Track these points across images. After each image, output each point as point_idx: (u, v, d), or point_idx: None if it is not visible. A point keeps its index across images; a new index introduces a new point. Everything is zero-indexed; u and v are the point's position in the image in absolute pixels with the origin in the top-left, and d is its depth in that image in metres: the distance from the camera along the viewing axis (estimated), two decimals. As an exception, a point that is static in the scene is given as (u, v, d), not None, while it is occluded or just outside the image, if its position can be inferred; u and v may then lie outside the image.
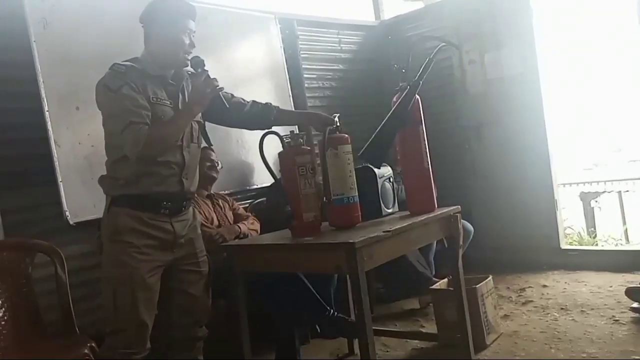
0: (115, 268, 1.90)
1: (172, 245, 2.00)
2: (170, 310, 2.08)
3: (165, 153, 1.93)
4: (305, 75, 4.20)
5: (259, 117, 2.26)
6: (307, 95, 4.19)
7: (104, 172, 2.01)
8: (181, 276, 2.07)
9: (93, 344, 2.05)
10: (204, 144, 2.26)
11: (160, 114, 1.92)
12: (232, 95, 2.23)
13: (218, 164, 3.04)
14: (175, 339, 2.10)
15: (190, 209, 2.14)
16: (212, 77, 1.93)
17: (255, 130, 2.31)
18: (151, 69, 1.95)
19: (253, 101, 2.28)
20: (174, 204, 1.99)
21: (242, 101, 2.26)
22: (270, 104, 2.30)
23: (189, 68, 2.03)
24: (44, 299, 2.41)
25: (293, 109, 2.36)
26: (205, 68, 1.95)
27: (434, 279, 3.32)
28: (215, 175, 3.02)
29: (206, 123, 2.21)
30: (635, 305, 2.85)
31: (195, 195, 2.89)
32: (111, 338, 1.91)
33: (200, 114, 2.08)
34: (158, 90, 1.95)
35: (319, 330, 2.68)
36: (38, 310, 2.32)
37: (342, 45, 4.62)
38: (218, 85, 1.94)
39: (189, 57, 1.97)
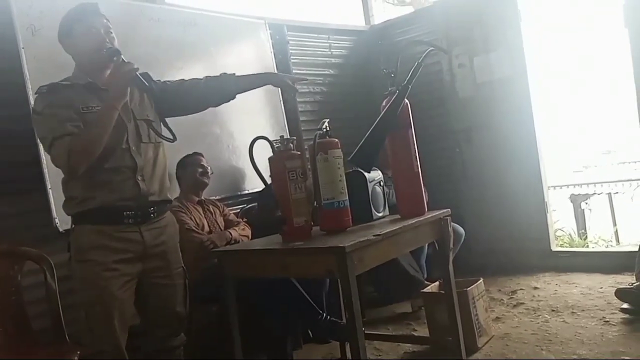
0: (85, 290, 1.84)
1: (142, 256, 1.93)
2: (146, 321, 2.04)
3: (109, 158, 1.85)
4: (295, 80, 4.20)
5: (218, 89, 2.17)
6: (298, 100, 4.19)
7: None
8: (153, 289, 1.99)
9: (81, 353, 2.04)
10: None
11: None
12: (182, 80, 2.16)
13: (209, 170, 3.03)
14: (152, 348, 2.05)
15: (167, 216, 2.06)
16: (127, 61, 1.85)
17: (220, 105, 2.24)
18: (80, 79, 1.91)
19: (207, 76, 2.18)
20: (138, 210, 1.91)
21: (197, 79, 2.17)
22: (226, 73, 2.20)
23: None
24: (33, 307, 2.39)
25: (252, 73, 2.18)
26: (121, 56, 1.85)
27: (425, 282, 3.32)
28: (206, 181, 3.01)
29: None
30: (625, 306, 2.86)
31: (185, 200, 2.91)
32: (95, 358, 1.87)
33: (152, 110, 2.03)
34: (88, 99, 1.88)
35: (311, 334, 2.68)
36: (27, 318, 2.31)
37: (332, 50, 4.63)
38: (133, 67, 1.83)
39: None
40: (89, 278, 1.83)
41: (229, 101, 2.19)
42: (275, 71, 3.93)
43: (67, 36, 1.93)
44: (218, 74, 2.19)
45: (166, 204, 2.05)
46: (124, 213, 1.88)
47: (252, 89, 2.24)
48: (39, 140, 1.93)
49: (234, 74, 2.19)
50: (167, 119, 2.10)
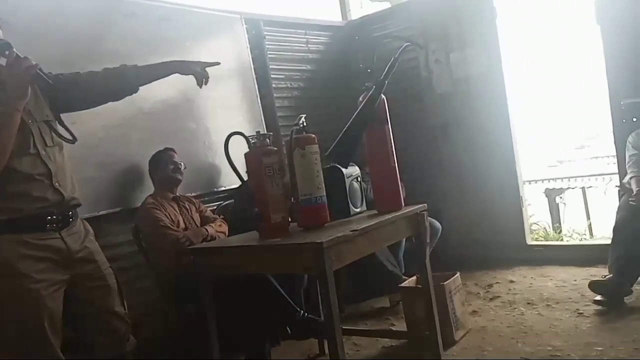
0: (14, 305, 1.71)
1: (68, 263, 1.83)
2: (91, 332, 1.94)
3: (19, 166, 1.73)
4: (272, 76, 4.18)
5: (117, 81, 2.04)
6: (275, 95, 4.17)
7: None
8: (89, 295, 1.90)
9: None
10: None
11: None
12: (77, 72, 2.02)
13: (182, 165, 2.98)
14: (100, 359, 1.96)
15: (79, 220, 1.96)
16: (22, 56, 1.69)
17: (123, 98, 2.11)
18: None
19: (105, 68, 2.03)
20: (59, 216, 1.82)
21: (94, 72, 2.02)
22: (126, 64, 2.04)
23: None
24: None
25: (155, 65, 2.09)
26: (14, 50, 1.70)
27: (403, 277, 3.34)
28: (179, 177, 2.97)
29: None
30: (598, 298, 2.92)
31: (160, 197, 2.87)
32: None
33: (48, 109, 1.89)
34: None
35: (289, 331, 2.68)
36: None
37: (309, 45, 4.61)
38: (32, 64, 1.68)
39: None
40: (15, 293, 1.71)
41: (131, 94, 2.07)
42: (252, 67, 3.91)
43: None
44: (118, 65, 2.04)
45: (78, 207, 1.95)
46: (47, 218, 1.79)
47: (157, 79, 2.12)
48: None
49: (135, 65, 2.06)
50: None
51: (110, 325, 1.97)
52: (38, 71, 1.72)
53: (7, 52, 1.70)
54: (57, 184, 1.82)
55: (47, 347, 1.75)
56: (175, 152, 2.98)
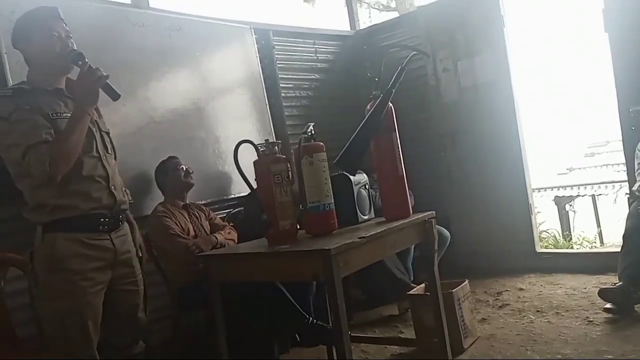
0: (61, 300, 1.80)
1: (113, 264, 1.94)
2: (107, 332, 1.98)
3: (83, 166, 1.85)
4: (281, 85, 4.22)
5: None
6: (284, 104, 4.21)
7: None
8: (119, 297, 1.99)
9: None
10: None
11: (63, 128, 1.82)
12: None
13: (190, 170, 3.02)
14: (111, 358, 2.01)
15: (126, 223, 2.07)
16: (94, 67, 1.83)
17: None
18: (43, 84, 1.87)
19: None
20: (111, 218, 1.94)
21: None
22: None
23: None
24: (18, 314, 2.36)
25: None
26: (86, 60, 1.84)
27: (412, 284, 3.34)
28: (191, 181, 3.01)
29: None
30: (608, 306, 2.90)
31: (170, 205, 2.90)
32: None
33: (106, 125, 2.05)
34: (56, 105, 1.86)
35: (298, 338, 2.69)
36: (11, 325, 2.28)
37: (318, 55, 4.65)
38: (103, 74, 1.82)
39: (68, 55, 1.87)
40: (66, 289, 1.80)
41: None
42: (261, 77, 3.94)
43: (24, 39, 1.89)
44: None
45: (126, 212, 2.09)
46: (100, 220, 1.90)
47: None
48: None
49: None
50: None
51: (129, 328, 2.04)
52: (107, 82, 1.84)
53: (80, 62, 1.83)
54: (112, 187, 1.94)
55: (87, 345, 1.83)
56: (179, 159, 3.01)
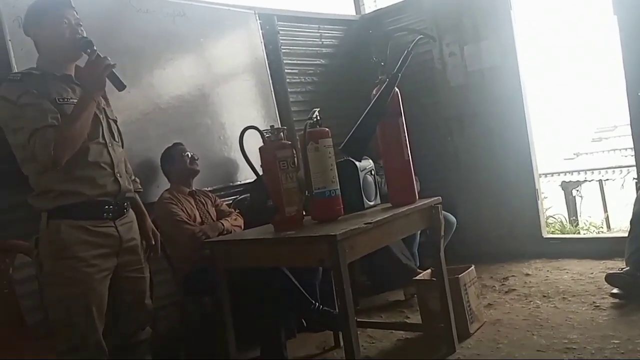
0: (67, 287, 1.82)
1: (118, 251, 1.95)
2: (115, 318, 2.03)
3: (89, 152, 1.87)
4: (286, 70, 4.19)
5: None
6: (289, 90, 4.18)
7: None
8: (125, 284, 2.01)
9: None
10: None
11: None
12: None
13: (196, 156, 3.01)
14: (118, 344, 2.04)
15: (131, 211, 2.09)
16: (102, 55, 1.85)
17: None
18: (52, 70, 1.89)
19: None
20: (116, 206, 1.95)
21: None
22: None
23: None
24: (27, 301, 2.38)
25: None
26: (95, 48, 1.86)
27: (418, 270, 3.35)
28: (197, 168, 3.01)
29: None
30: (615, 291, 2.89)
31: (177, 192, 2.90)
32: (72, 355, 1.86)
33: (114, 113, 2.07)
34: (63, 90, 1.88)
35: (304, 324, 2.70)
36: (20, 311, 2.30)
37: (323, 39, 4.61)
38: (110, 63, 1.84)
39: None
40: (71, 276, 1.82)
41: None
42: (265, 62, 3.91)
43: (35, 25, 1.91)
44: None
45: (131, 199, 2.10)
46: (104, 207, 1.91)
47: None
48: (5, 129, 1.86)
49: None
50: None
51: (136, 314, 2.07)
52: (114, 72, 1.86)
53: (89, 50, 1.85)
54: (118, 174, 1.96)
55: (92, 331, 1.85)
56: (184, 146, 3.01)
